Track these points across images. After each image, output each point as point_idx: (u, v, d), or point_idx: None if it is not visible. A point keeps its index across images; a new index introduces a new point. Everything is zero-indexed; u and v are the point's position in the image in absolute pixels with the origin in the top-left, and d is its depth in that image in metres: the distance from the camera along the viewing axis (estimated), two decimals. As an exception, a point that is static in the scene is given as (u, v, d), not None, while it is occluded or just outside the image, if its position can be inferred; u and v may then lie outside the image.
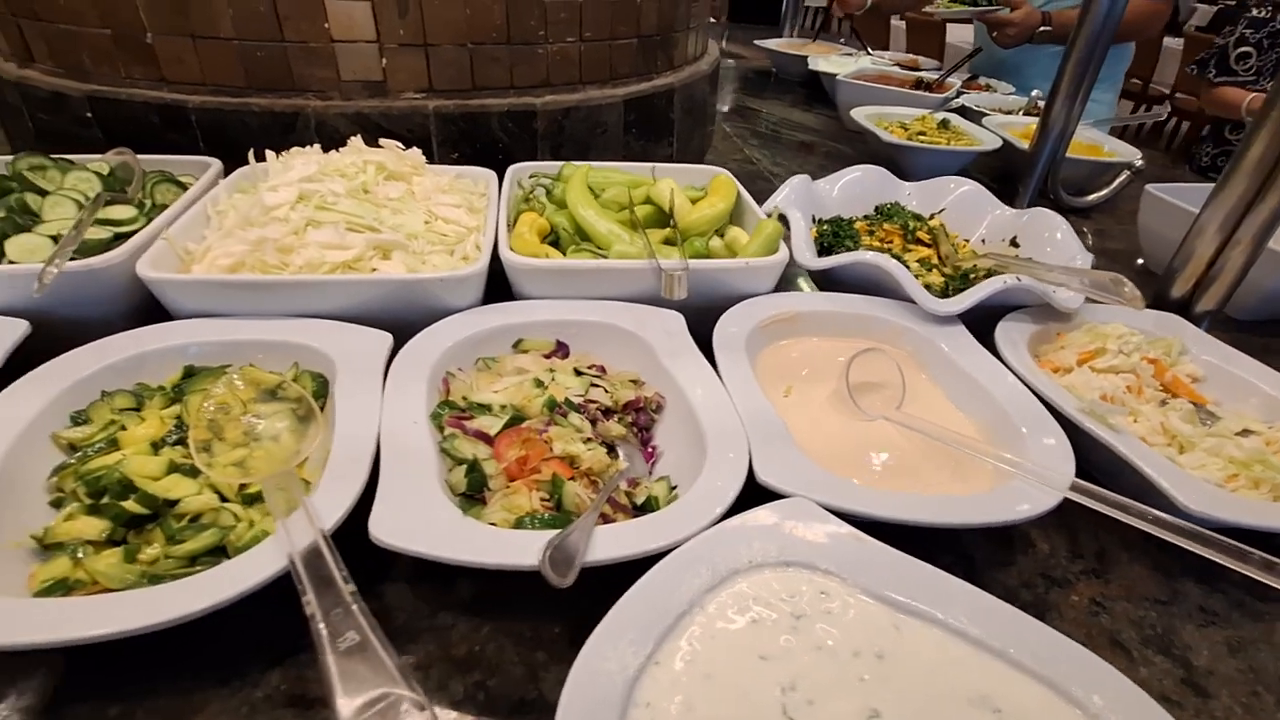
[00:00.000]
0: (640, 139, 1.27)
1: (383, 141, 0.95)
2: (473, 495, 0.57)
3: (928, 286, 0.83)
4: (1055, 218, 0.99)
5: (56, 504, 0.56)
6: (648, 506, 0.58)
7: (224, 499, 0.56)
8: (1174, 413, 0.70)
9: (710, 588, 0.48)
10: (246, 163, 0.92)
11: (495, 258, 0.78)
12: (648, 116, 1.26)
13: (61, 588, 0.49)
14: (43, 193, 0.80)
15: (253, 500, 0.57)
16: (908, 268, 0.83)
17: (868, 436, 0.70)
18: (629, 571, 0.49)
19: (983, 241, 1.06)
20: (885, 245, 0.98)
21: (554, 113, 1.13)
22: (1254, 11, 1.85)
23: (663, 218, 0.92)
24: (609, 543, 0.50)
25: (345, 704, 0.36)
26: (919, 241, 1.00)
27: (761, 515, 0.53)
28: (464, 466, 0.57)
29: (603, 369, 0.73)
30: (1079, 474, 0.60)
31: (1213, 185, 0.89)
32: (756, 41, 2.54)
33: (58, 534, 0.52)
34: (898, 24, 5.06)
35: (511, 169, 0.99)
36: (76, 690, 0.48)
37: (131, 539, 0.53)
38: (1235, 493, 0.64)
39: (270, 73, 1.00)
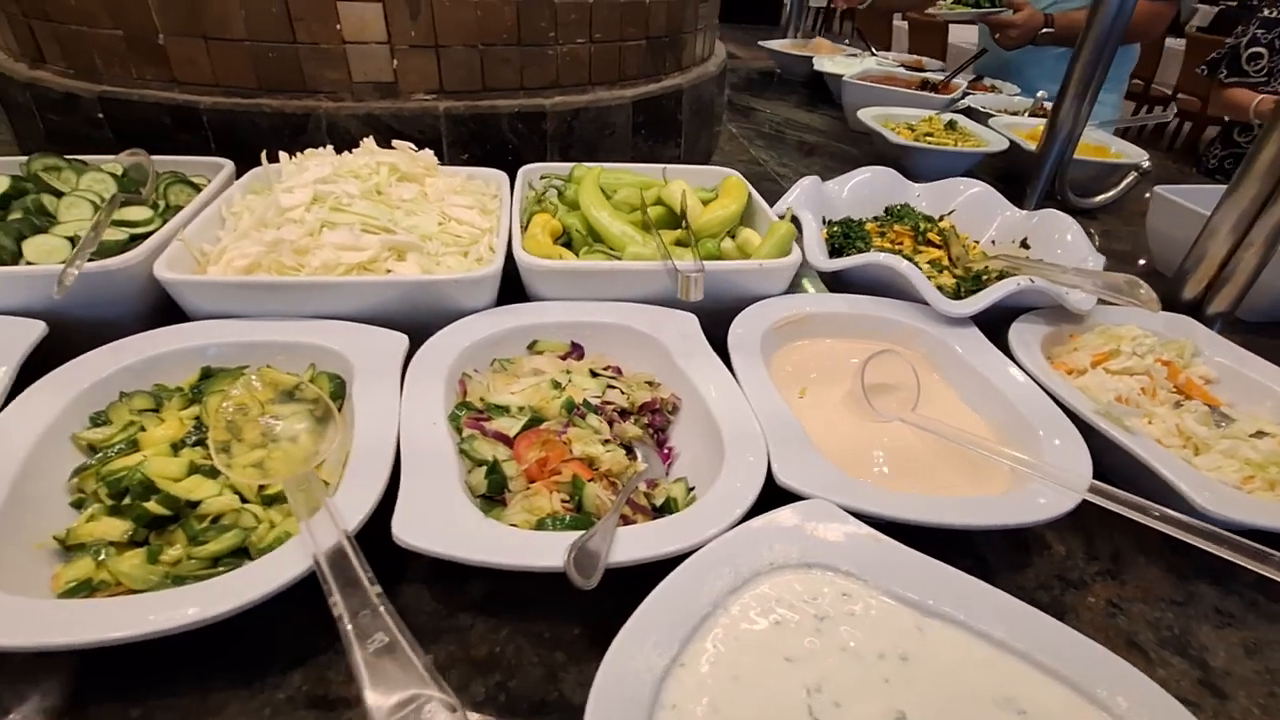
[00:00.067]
0: (649, 140, 1.27)
1: (395, 143, 0.95)
2: (493, 497, 0.57)
3: (939, 288, 0.83)
4: (1065, 219, 0.99)
5: (77, 505, 0.56)
6: (667, 508, 0.58)
7: (244, 500, 0.56)
8: (1189, 414, 0.70)
9: (733, 589, 0.48)
10: (258, 164, 0.92)
11: (508, 259, 0.78)
12: (656, 117, 1.26)
13: (85, 589, 0.49)
14: (58, 194, 0.80)
15: (272, 501, 0.57)
16: (919, 269, 0.83)
17: (882, 438, 0.70)
18: (645, 573, 0.49)
19: (992, 243, 1.06)
20: (896, 247, 0.98)
21: (563, 114, 1.13)
22: (1266, 12, 1.85)
23: (673, 219, 0.92)
24: (631, 544, 0.50)
25: (378, 706, 0.36)
26: (929, 243, 1.00)
27: (782, 517, 0.53)
28: (484, 468, 0.58)
29: (618, 370, 0.73)
30: (1093, 476, 0.60)
31: (1222, 187, 0.89)
32: (761, 42, 2.54)
33: (80, 535, 0.52)
34: (900, 24, 5.06)
35: (523, 170, 0.99)
36: (98, 691, 0.48)
37: (153, 540, 0.53)
38: (1251, 495, 0.64)
39: (282, 74, 1.00)
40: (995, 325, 0.81)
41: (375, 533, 0.51)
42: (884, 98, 1.75)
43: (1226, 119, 2.05)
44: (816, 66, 2.14)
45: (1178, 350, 0.80)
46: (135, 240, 0.74)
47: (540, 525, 0.54)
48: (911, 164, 1.44)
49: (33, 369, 0.63)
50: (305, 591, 0.47)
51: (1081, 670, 0.45)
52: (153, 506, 0.53)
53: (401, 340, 0.70)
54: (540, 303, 0.78)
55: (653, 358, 0.74)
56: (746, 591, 0.48)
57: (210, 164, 0.95)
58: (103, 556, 0.51)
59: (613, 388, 0.68)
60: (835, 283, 0.92)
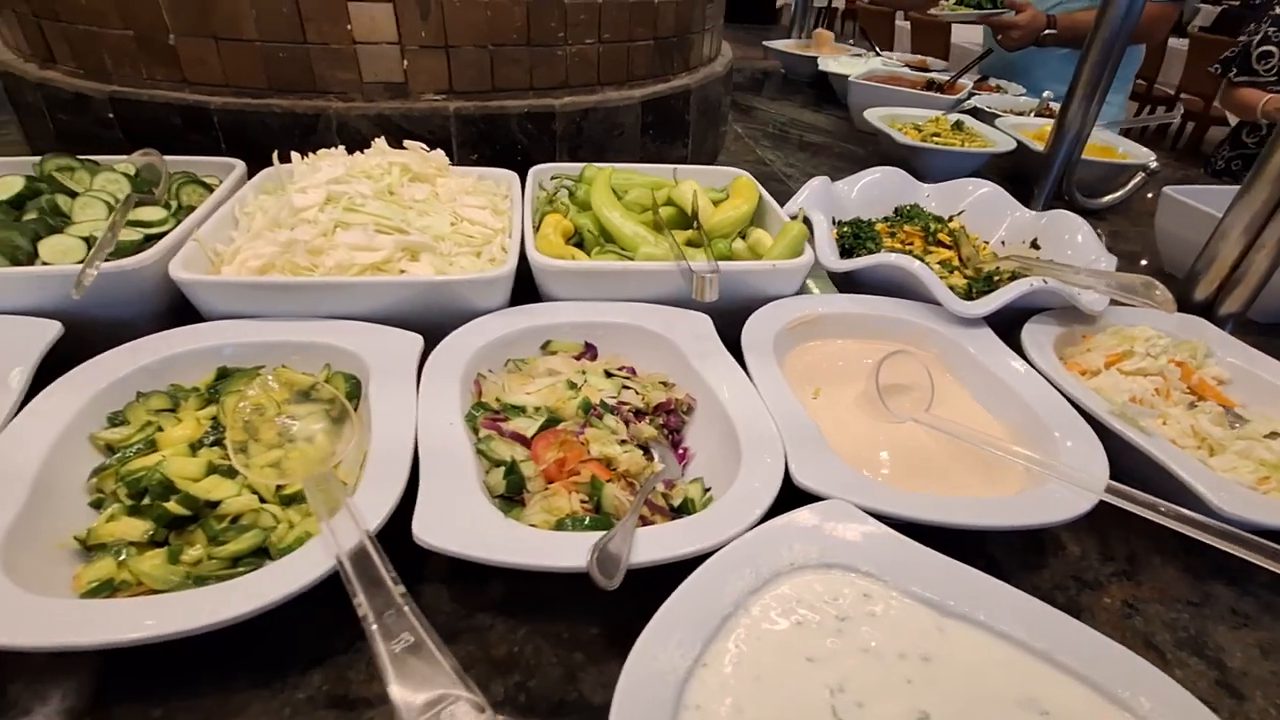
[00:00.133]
0: (656, 140, 1.27)
1: (407, 143, 0.95)
2: (511, 497, 0.58)
3: (951, 289, 0.83)
4: (1075, 220, 0.99)
5: (96, 505, 0.56)
6: (684, 508, 0.58)
7: (262, 500, 0.56)
8: (1204, 415, 0.70)
9: (753, 590, 0.48)
10: (268, 164, 0.92)
11: (520, 259, 0.78)
12: (664, 118, 1.26)
13: (107, 588, 0.49)
14: (72, 194, 0.80)
15: (290, 501, 0.57)
16: (931, 270, 0.83)
17: (897, 438, 0.70)
18: (660, 573, 0.49)
19: (1002, 243, 1.06)
20: (906, 247, 0.98)
21: (572, 114, 1.14)
22: (1278, 10, 1.84)
23: (684, 220, 0.92)
24: (652, 545, 0.50)
25: (407, 705, 0.36)
26: (940, 243, 1.00)
27: (801, 517, 0.53)
28: (502, 468, 0.58)
29: (632, 371, 0.73)
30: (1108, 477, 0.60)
31: (1230, 188, 0.89)
32: (765, 42, 2.54)
33: (100, 535, 0.52)
34: (902, 24, 5.06)
35: (534, 170, 0.99)
36: (119, 692, 0.48)
37: (173, 540, 0.53)
38: (1267, 495, 0.64)
39: (292, 74, 1.00)
40: (1005, 326, 0.81)
41: (391, 533, 0.51)
42: (890, 98, 1.75)
43: (1236, 120, 2.05)
44: (822, 67, 2.14)
45: (1190, 351, 0.80)
46: (150, 240, 0.74)
47: (560, 525, 0.54)
48: (919, 164, 1.44)
49: (48, 369, 0.63)
50: (324, 592, 0.47)
51: (1103, 670, 0.45)
52: (173, 506, 0.53)
53: (416, 340, 0.70)
54: (553, 303, 0.78)
55: (666, 358, 0.74)
56: (767, 592, 0.48)
57: (222, 164, 0.95)
58: (123, 556, 0.51)
59: (628, 388, 0.68)
60: (845, 283, 0.92)
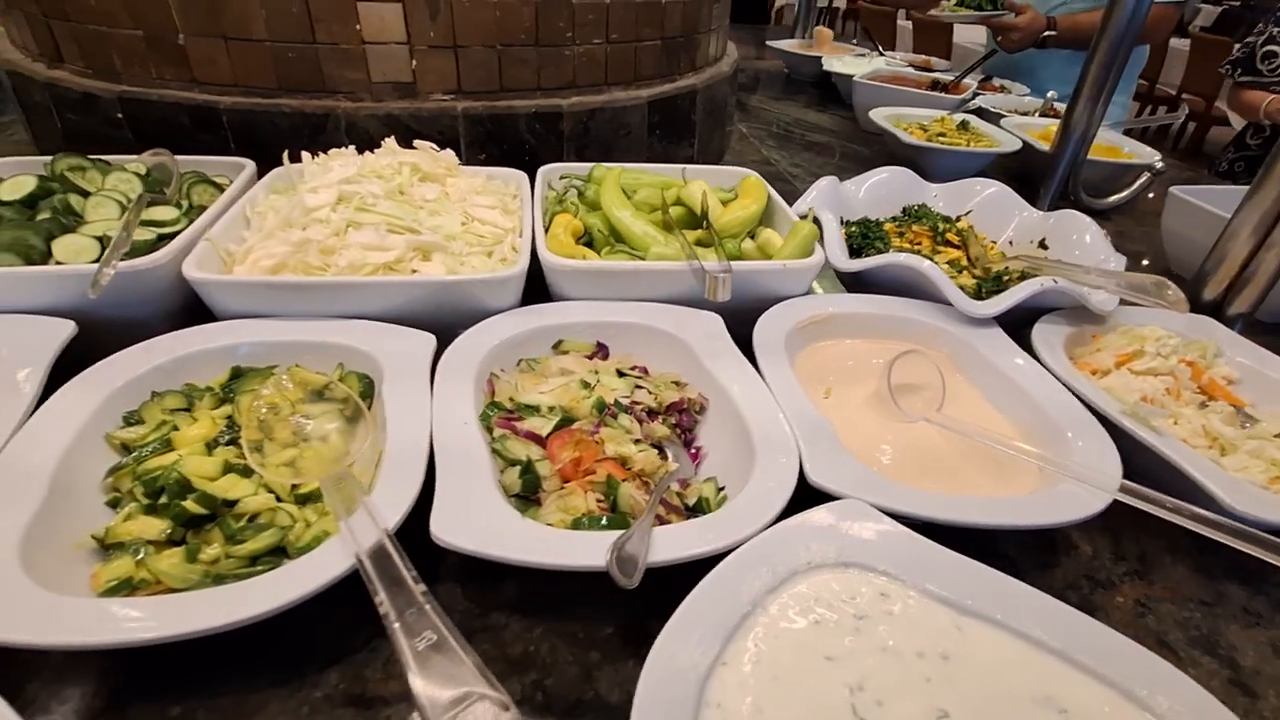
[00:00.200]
0: (663, 140, 1.28)
1: (416, 143, 0.95)
2: (527, 496, 0.58)
3: (961, 288, 0.83)
4: (1084, 220, 0.99)
5: (113, 504, 0.56)
6: (699, 508, 0.59)
7: (278, 499, 0.56)
8: (1215, 415, 0.70)
9: (771, 589, 0.48)
10: (277, 164, 0.92)
11: (531, 259, 0.78)
12: (671, 118, 1.26)
13: (126, 587, 0.49)
14: (84, 193, 0.80)
15: (305, 500, 0.57)
16: (940, 270, 0.83)
17: (908, 438, 0.70)
18: (675, 573, 0.49)
19: (1010, 243, 1.06)
20: (915, 247, 0.98)
21: (580, 114, 1.14)
22: None
23: (692, 219, 0.92)
24: (669, 544, 0.50)
25: (431, 703, 0.36)
26: (948, 243, 1.00)
27: (817, 516, 0.53)
28: (517, 467, 0.58)
29: (644, 370, 0.74)
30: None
31: (1236, 188, 0.89)
32: (769, 42, 2.54)
33: (118, 534, 0.52)
34: (904, 24, 5.07)
35: (543, 170, 0.99)
36: (137, 690, 0.49)
37: (190, 539, 0.53)
38: (1279, 495, 0.64)
39: (301, 74, 1.00)
40: (1013, 326, 0.82)
41: (403, 533, 0.51)
42: (895, 98, 1.76)
43: (1243, 122, 2.05)
44: (826, 67, 2.14)
45: (1200, 351, 0.80)
46: (162, 240, 0.74)
47: (577, 525, 0.54)
48: (924, 164, 1.44)
49: (61, 368, 0.63)
50: (341, 590, 0.47)
51: (1120, 669, 0.45)
52: (190, 505, 0.53)
53: (429, 340, 0.70)
54: (565, 303, 0.78)
55: (678, 357, 0.74)
56: (784, 591, 0.48)
57: (231, 164, 0.95)
58: (141, 555, 0.51)
59: (640, 387, 0.68)
60: (853, 283, 0.92)
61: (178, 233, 0.75)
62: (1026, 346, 0.79)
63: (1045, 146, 1.41)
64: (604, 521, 0.54)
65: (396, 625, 0.41)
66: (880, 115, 1.59)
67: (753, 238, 0.92)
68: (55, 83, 1.04)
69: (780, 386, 0.67)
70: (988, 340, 0.79)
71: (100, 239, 0.74)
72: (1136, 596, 0.62)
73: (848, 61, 2.20)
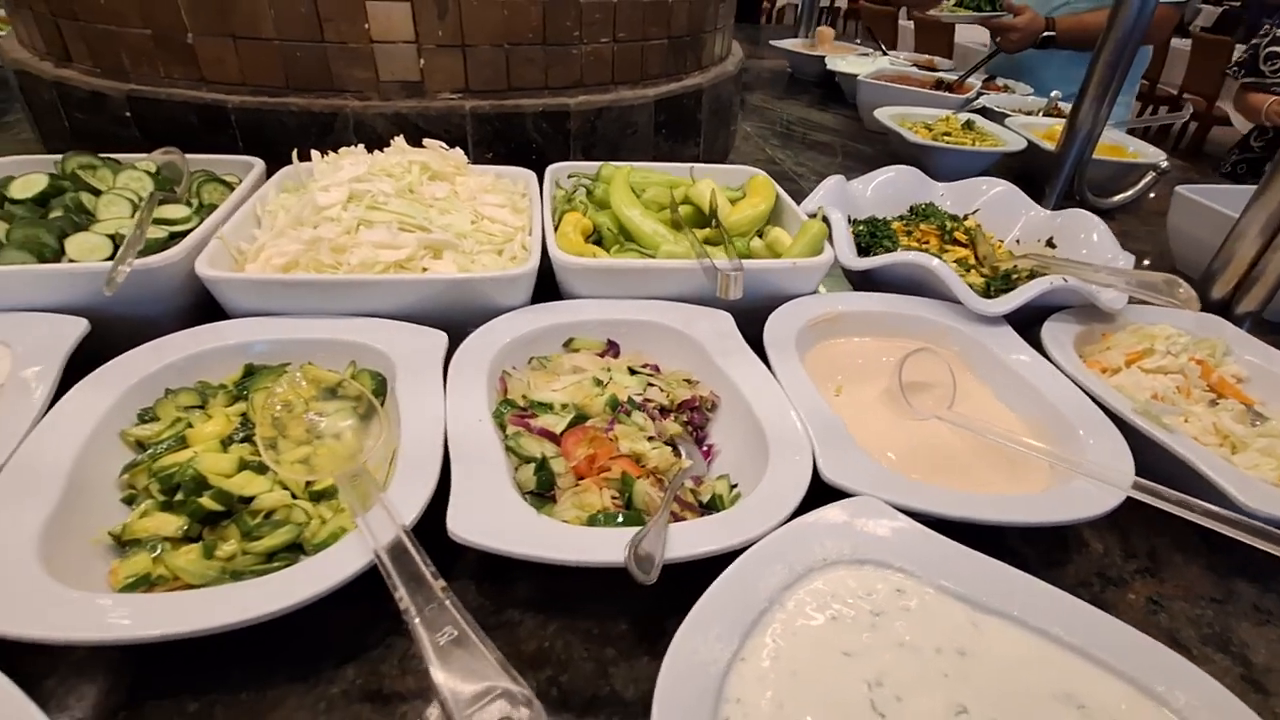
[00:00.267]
0: (669, 139, 1.28)
1: (425, 141, 0.96)
2: (541, 493, 0.58)
3: (969, 287, 0.83)
4: (1091, 219, 0.99)
5: (128, 501, 0.56)
6: (713, 505, 0.59)
7: (293, 496, 0.57)
8: (1225, 413, 0.70)
9: (787, 585, 0.48)
10: (285, 162, 0.92)
11: (542, 257, 0.78)
12: (677, 117, 1.27)
13: (144, 583, 0.49)
14: (95, 192, 0.80)
15: (320, 497, 0.57)
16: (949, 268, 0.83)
17: (919, 436, 0.70)
18: (688, 570, 0.49)
19: (1017, 242, 1.06)
20: (922, 245, 0.99)
21: (587, 113, 1.14)
22: None
23: (700, 218, 0.93)
24: (686, 540, 0.50)
25: (455, 697, 0.36)
26: (956, 242, 1.00)
27: (831, 514, 0.53)
28: (532, 465, 0.58)
29: (656, 368, 0.74)
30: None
31: (1241, 187, 0.89)
32: (773, 41, 2.54)
33: (135, 531, 0.52)
34: (905, 24, 5.07)
35: (551, 169, 1.00)
36: (155, 686, 0.49)
37: (207, 536, 0.53)
38: (1290, 492, 0.64)
39: (310, 73, 1.00)
40: (1022, 325, 0.82)
41: (416, 530, 0.51)
42: (900, 97, 1.76)
43: (1248, 123, 2.05)
44: (830, 66, 2.15)
45: (1210, 349, 0.80)
46: (174, 238, 0.74)
47: (592, 521, 0.54)
48: (929, 163, 1.43)
49: (74, 366, 0.63)
50: (356, 587, 0.48)
51: (1137, 665, 0.45)
52: (207, 502, 0.53)
53: (441, 337, 0.70)
54: (575, 301, 0.78)
55: (689, 355, 0.74)
56: (801, 587, 0.49)
57: (241, 162, 0.95)
58: (158, 552, 0.51)
59: (653, 385, 0.69)
60: (861, 282, 0.92)
61: (189, 231, 0.75)
62: (1036, 345, 0.79)
63: (1050, 146, 1.41)
64: (619, 518, 0.54)
65: (417, 620, 0.41)
66: (885, 114, 1.59)
67: (761, 236, 0.93)
68: (63, 81, 1.05)
69: (792, 384, 0.67)
70: (997, 338, 0.79)
71: (113, 237, 0.74)
72: (1148, 594, 0.62)
73: (852, 61, 2.20)
